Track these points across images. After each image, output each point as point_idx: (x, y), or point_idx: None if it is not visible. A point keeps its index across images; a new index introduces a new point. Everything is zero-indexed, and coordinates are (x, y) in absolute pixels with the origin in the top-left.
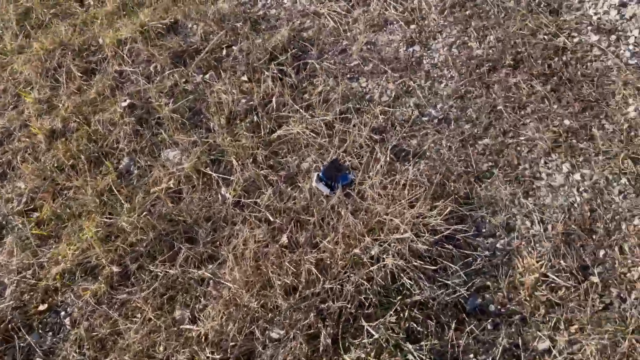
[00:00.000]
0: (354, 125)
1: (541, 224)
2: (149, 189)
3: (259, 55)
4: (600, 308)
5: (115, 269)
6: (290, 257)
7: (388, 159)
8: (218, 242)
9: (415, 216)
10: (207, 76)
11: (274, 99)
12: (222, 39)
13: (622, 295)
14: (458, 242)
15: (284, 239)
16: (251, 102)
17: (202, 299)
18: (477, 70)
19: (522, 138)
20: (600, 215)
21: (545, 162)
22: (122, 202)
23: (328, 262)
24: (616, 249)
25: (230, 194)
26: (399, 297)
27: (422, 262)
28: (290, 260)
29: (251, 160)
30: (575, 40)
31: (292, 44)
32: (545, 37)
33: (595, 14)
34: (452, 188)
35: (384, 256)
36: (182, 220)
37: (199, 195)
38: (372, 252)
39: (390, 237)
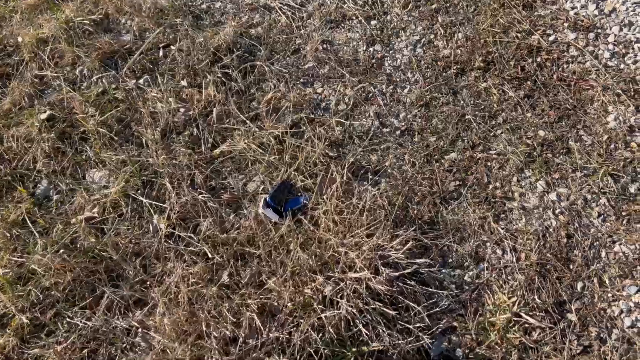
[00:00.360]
0: (307, 140)
1: (513, 253)
2: (69, 219)
3: (200, 57)
4: (578, 351)
5: (26, 318)
6: (231, 299)
7: (345, 178)
8: (148, 283)
9: (374, 248)
10: (141, 81)
11: (215, 110)
12: (159, 37)
13: (602, 335)
14: (422, 276)
15: (225, 277)
16: (190, 112)
17: (128, 352)
18: (444, 74)
19: (493, 152)
20: (577, 242)
21: (518, 180)
22: (37, 235)
23: (275, 303)
24: (595, 280)
25: (163, 223)
26: (354, 348)
27: (381, 304)
28: (230, 306)
29: (188, 182)
30: (551, 38)
31: (239, 43)
32: (518, 35)
33: (572, 8)
34: (416, 212)
35: (339, 297)
36: (107, 257)
37: (128, 226)
38: (325, 292)
39: (345, 275)
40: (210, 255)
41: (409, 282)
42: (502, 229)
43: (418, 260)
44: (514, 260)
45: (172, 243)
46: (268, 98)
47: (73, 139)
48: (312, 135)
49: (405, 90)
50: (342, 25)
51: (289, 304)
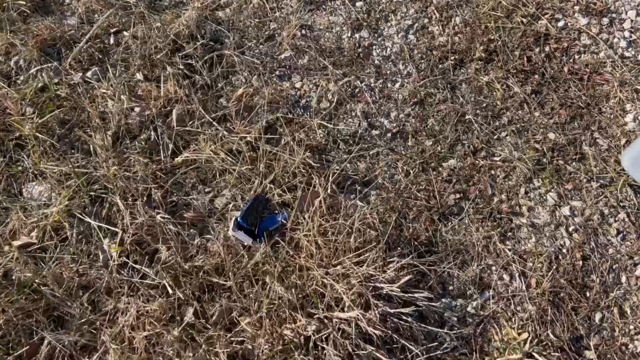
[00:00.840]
0: (285, 145)
1: (522, 279)
2: (2, 246)
3: (158, 45)
4: None
5: None
6: (197, 343)
7: (329, 191)
8: (98, 324)
9: (364, 279)
10: (88, 74)
11: (175, 109)
12: (110, 20)
13: None
14: (419, 308)
15: (189, 315)
16: (147, 112)
17: None
18: (440, 65)
19: (497, 158)
20: (595, 265)
21: (527, 192)
22: None
23: (249, 347)
24: (615, 310)
25: (115, 250)
26: None
27: (373, 348)
28: (195, 354)
29: (145, 198)
30: (560, 24)
31: (203, 28)
32: (524, 19)
33: None
34: (411, 230)
35: (324, 340)
36: (47, 293)
37: (73, 253)
38: (308, 332)
39: (331, 314)
40: (170, 291)
41: (404, 317)
42: (510, 250)
43: (416, 294)
44: (524, 287)
45: (125, 274)
46: (238, 94)
47: (7, 146)
48: (291, 140)
49: (397, 85)
50: (324, 7)
51: (265, 348)
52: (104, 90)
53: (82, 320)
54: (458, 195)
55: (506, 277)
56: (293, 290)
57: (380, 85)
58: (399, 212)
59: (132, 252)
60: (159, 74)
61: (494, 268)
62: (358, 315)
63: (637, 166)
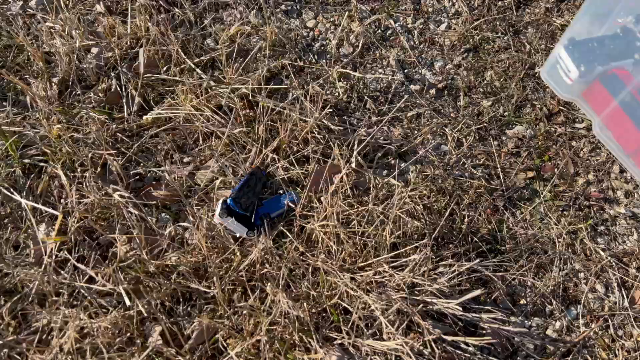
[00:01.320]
0: (294, 102)
1: (622, 291)
2: None
3: None
4: None
5: None
6: None
7: (354, 165)
8: (24, 347)
9: (406, 288)
10: (31, 3)
11: (143, 50)
12: None
13: None
14: (482, 332)
15: (155, 337)
16: (109, 54)
17: None
18: (500, 2)
19: (580, 125)
20: None
21: (622, 171)
22: None
23: None
24: None
25: (53, 241)
26: None
27: None
28: None
29: (98, 169)
30: None
31: None
32: None
33: None
34: (467, 221)
35: None
36: None
37: None
38: None
39: (361, 342)
40: (128, 302)
41: (462, 345)
42: (603, 250)
43: (483, 315)
44: (626, 303)
45: (66, 275)
46: (231, 34)
47: None
48: (302, 95)
49: (442, 27)
50: None
51: None
52: (51, 24)
53: (4, 340)
54: (529, 174)
55: (600, 289)
56: (304, 303)
57: (421, 27)
58: (450, 196)
59: (78, 244)
60: (126, 6)
61: (582, 275)
62: (403, 347)
63: (552, 76)
